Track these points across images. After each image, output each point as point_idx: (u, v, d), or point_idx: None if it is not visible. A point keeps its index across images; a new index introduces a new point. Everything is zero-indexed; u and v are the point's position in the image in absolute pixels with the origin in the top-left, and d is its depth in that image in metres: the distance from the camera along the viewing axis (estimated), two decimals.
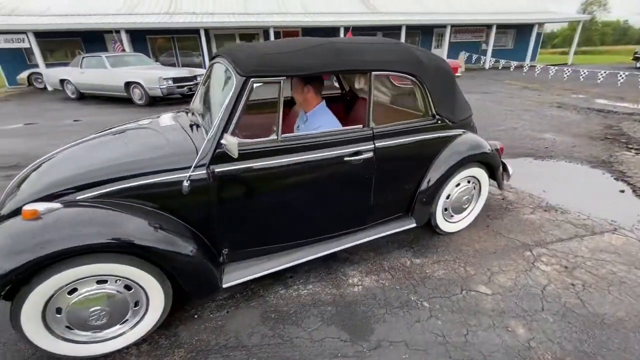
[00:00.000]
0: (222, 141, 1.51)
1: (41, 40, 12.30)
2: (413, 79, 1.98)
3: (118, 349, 1.58)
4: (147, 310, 1.58)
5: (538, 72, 12.49)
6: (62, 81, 9.45)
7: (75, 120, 6.67)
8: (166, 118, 2.02)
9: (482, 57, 16.04)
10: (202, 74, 8.78)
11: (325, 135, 1.79)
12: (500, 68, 14.36)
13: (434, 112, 2.09)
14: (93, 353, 1.53)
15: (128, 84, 8.23)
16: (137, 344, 1.64)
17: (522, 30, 18.20)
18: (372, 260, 2.24)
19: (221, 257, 1.77)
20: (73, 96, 9.44)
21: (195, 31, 13.57)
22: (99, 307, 1.45)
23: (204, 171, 1.55)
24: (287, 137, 1.70)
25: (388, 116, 2.21)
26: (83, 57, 9.05)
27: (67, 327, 1.45)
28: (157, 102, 8.47)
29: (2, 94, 11.44)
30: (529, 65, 14.24)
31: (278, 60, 1.62)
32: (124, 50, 12.09)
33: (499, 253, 2.30)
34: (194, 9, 14.80)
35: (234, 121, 1.56)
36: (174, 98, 8.70)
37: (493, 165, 2.43)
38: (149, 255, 1.44)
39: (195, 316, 1.81)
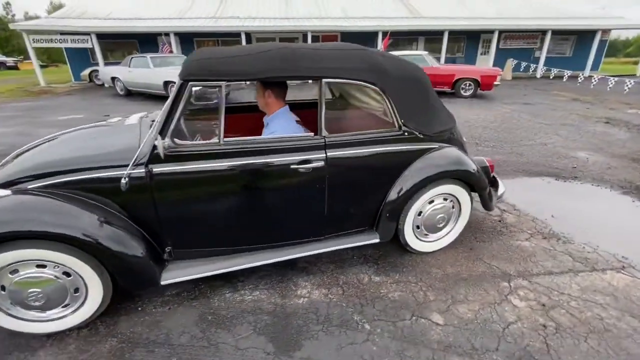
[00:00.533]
0: (155, 142, 1.55)
1: (102, 41, 13.70)
2: (372, 87, 1.87)
3: (59, 331, 1.68)
4: (86, 298, 1.66)
5: (595, 83, 11.25)
6: (113, 79, 10.41)
7: (105, 115, 7.28)
8: (133, 118, 2.13)
9: (532, 65, 14.84)
10: None
11: (271, 141, 1.76)
12: (551, 77, 13.16)
13: (399, 123, 1.97)
14: (35, 331, 1.65)
15: (167, 83, 8.84)
16: (79, 327, 1.73)
17: (583, 37, 16.56)
18: (330, 273, 2.16)
19: (165, 255, 1.81)
20: (121, 93, 10.35)
21: (238, 34, 14.21)
22: (37, 290, 1.56)
23: (143, 170, 1.60)
24: (230, 142, 1.70)
25: (352, 125, 2.12)
26: (131, 57, 9.89)
27: (11, 303, 1.58)
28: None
29: (68, 88, 12.90)
30: (585, 75, 12.89)
31: (219, 64, 1.63)
32: (171, 51, 13.01)
33: (471, 280, 2.10)
34: (238, 14, 15.51)
35: (173, 122, 1.60)
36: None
37: (475, 184, 2.22)
38: (84, 246, 1.52)
39: (139, 309, 1.87)
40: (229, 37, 15.04)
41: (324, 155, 1.82)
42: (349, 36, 15.43)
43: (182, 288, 2.01)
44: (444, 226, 2.33)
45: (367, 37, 14.86)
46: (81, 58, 14.82)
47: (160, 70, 9.04)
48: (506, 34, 16.44)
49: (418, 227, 2.26)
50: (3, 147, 4.79)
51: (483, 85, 9.13)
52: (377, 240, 2.12)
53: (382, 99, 1.92)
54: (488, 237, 2.58)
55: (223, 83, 1.61)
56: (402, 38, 16.30)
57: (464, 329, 1.73)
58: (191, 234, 1.82)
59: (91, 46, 13.20)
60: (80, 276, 1.60)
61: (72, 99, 10.09)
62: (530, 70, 14.52)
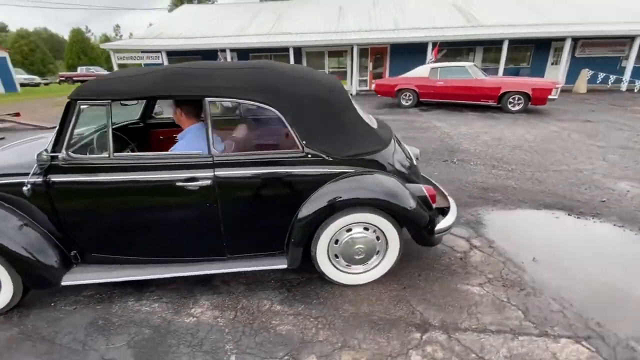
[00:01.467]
0: (43, 155, 1.70)
1: (172, 57, 15.53)
2: (266, 107, 1.79)
3: None
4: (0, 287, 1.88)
5: None
6: None
7: None
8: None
9: (614, 76, 12.66)
10: None
11: (158, 158, 1.80)
12: (636, 90, 11.02)
13: (301, 144, 1.84)
14: None
15: None
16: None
17: None
18: (236, 295, 2.09)
19: (72, 258, 1.96)
20: None
21: (287, 49, 14.86)
22: None
23: (41, 179, 1.77)
24: (119, 156, 1.78)
25: (262, 145, 2.05)
26: None
27: None
28: None
29: None
30: None
31: (106, 85, 1.73)
32: None
33: (380, 324, 1.85)
34: (290, 30, 16.25)
35: (65, 137, 1.74)
36: None
37: (398, 215, 1.97)
38: None
39: (52, 305, 2.04)
40: (279, 52, 15.81)
41: (212, 174, 1.79)
42: (398, 48, 15.10)
43: (96, 290, 2.14)
44: (366, 258, 2.09)
45: (416, 48, 14.34)
46: None
47: None
48: (584, 40, 14.37)
49: (337, 256, 2.08)
50: None
51: (534, 99, 8.08)
52: (284, 266, 2.00)
53: (281, 119, 1.83)
54: (435, 276, 2.25)
55: (108, 102, 1.71)
56: (458, 48, 15.37)
57: None
58: (93, 240, 1.94)
59: (161, 62, 15.05)
60: None
61: None
62: (610, 82, 12.39)
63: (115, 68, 15.53)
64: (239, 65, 1.93)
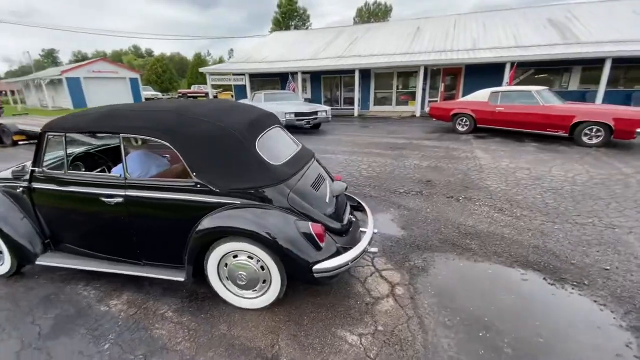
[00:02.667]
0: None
1: (253, 79, 17.57)
2: (163, 142, 2.15)
3: None
4: (3, 262, 2.65)
5: None
6: None
7: None
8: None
9: None
10: (323, 110, 10.10)
11: (93, 177, 2.33)
12: None
13: (192, 175, 2.14)
14: None
15: None
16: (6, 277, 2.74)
17: None
18: (149, 295, 2.48)
19: (47, 245, 2.63)
20: None
21: (353, 71, 15.29)
22: None
23: (26, 184, 2.48)
24: (70, 173, 2.38)
25: (173, 173, 2.41)
26: (254, 93, 12.41)
27: None
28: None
29: None
30: None
31: (65, 122, 2.35)
32: (295, 88, 15.37)
33: (233, 350, 1.98)
34: (362, 52, 16.69)
35: (41, 157, 2.41)
36: (297, 127, 10.49)
37: (275, 248, 2.07)
38: None
39: (35, 277, 2.76)
40: (347, 74, 16.36)
41: (124, 193, 2.23)
42: (473, 68, 14.08)
43: (67, 273, 2.78)
44: (251, 285, 2.24)
45: (492, 69, 13.14)
46: (241, 91, 19.39)
47: (265, 105, 10.97)
48: None
49: (228, 278, 2.28)
50: None
51: (618, 131, 6.63)
52: (181, 279, 2.29)
53: (175, 153, 2.17)
54: (324, 316, 2.25)
55: (62, 134, 2.32)
56: (552, 68, 13.49)
57: None
58: (58, 233, 2.58)
59: (244, 84, 17.16)
60: None
61: None
62: None
63: (209, 88, 18.35)
64: (155, 108, 2.36)
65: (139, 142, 2.94)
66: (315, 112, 10.31)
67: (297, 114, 9.93)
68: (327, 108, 10.73)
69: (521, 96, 8.14)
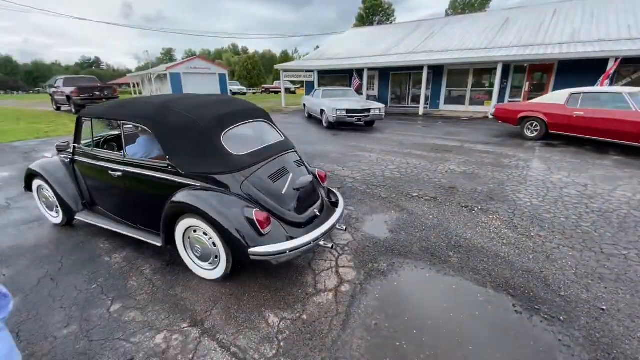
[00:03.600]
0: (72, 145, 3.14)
1: (323, 75, 18.10)
2: (146, 129, 2.59)
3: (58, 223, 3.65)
4: (59, 214, 3.52)
5: None
6: (304, 105, 13.90)
7: None
8: None
9: None
10: (376, 108, 10.05)
11: (105, 154, 2.93)
12: None
13: (165, 158, 2.54)
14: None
15: (322, 111, 11.00)
16: (61, 226, 3.64)
17: None
18: (144, 255, 3.02)
19: (83, 205, 3.39)
20: (306, 115, 13.63)
21: (432, 67, 14.50)
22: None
23: (70, 157, 3.25)
24: (95, 150, 3.03)
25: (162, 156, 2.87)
26: (315, 90, 12.86)
27: None
28: (335, 126, 10.66)
29: (294, 109, 18.11)
30: None
31: (91, 110, 2.98)
32: (360, 84, 15.38)
33: (176, 308, 2.33)
34: (439, 47, 15.69)
35: (78, 136, 3.13)
36: (348, 124, 10.61)
37: (219, 227, 2.33)
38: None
39: (79, 229, 3.57)
40: (417, 71, 15.60)
41: (123, 168, 2.77)
42: (569, 65, 12.05)
43: (98, 229, 3.52)
44: (205, 258, 2.57)
45: (592, 66, 11.06)
46: (311, 87, 20.15)
47: (322, 101, 11.31)
48: None
49: (192, 249, 2.65)
50: None
51: None
52: (159, 244, 2.75)
53: (154, 138, 2.60)
54: (260, 296, 2.44)
55: (90, 119, 2.97)
56: None
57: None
58: (89, 197, 3.30)
59: (313, 80, 17.81)
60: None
61: (281, 116, 14.35)
62: None
63: (282, 84, 19.56)
64: (147, 101, 2.82)
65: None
66: (368, 110, 10.24)
67: (348, 111, 10.02)
68: (381, 106, 10.52)
69: (609, 99, 6.77)
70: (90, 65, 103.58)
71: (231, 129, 2.69)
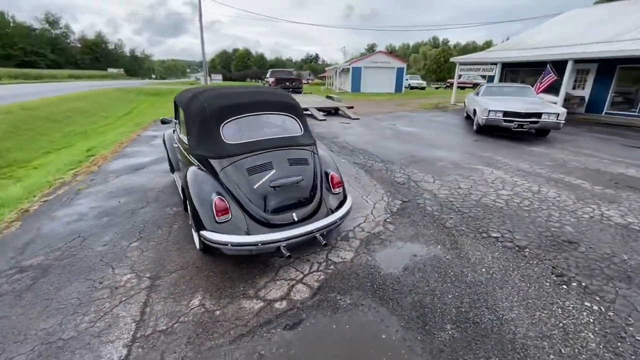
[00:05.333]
0: None
1: (511, 69, 14.94)
2: (183, 112, 3.09)
3: None
4: None
5: None
6: (464, 103, 12.05)
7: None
8: None
9: None
10: (552, 113, 7.67)
11: (175, 128, 3.72)
12: None
13: (187, 138, 3.00)
14: None
15: (474, 111, 9.28)
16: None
17: None
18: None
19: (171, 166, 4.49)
20: (465, 115, 11.81)
21: None
22: None
23: (173, 129, 4.33)
24: (176, 126, 3.90)
25: None
26: (480, 86, 10.87)
27: None
28: (485, 131, 8.79)
29: (455, 107, 16.05)
30: None
31: (180, 96, 3.80)
32: (554, 80, 11.75)
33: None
34: None
35: (176, 117, 4.11)
36: (504, 129, 8.46)
37: (190, 205, 2.62)
38: None
39: None
40: None
41: (176, 143, 3.48)
42: None
43: None
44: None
45: None
46: (491, 82, 17.06)
47: (478, 99, 9.47)
48: None
49: None
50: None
51: None
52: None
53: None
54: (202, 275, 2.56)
55: (175, 103, 3.83)
56: None
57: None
58: (172, 160, 4.34)
59: (493, 74, 14.98)
60: None
61: (432, 114, 13.08)
62: None
63: (455, 78, 17.54)
64: (193, 90, 3.28)
65: None
66: (537, 115, 7.77)
67: (505, 114, 7.95)
68: (560, 110, 7.74)
69: None
70: (310, 61, 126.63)
71: (235, 119, 2.84)
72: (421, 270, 2.68)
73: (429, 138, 8.20)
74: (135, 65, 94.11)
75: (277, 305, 2.28)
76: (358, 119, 11.60)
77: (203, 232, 2.46)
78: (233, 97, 3.02)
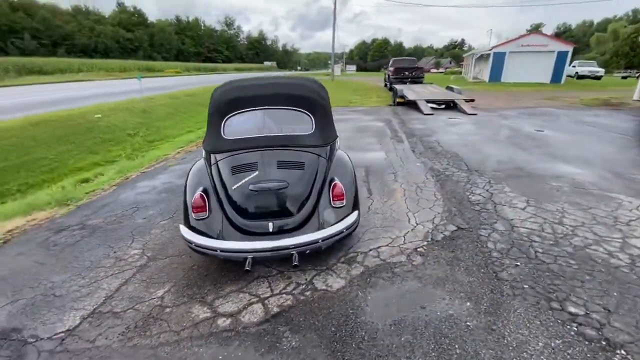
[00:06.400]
0: None
1: None
2: None
3: None
4: None
5: None
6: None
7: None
8: None
9: None
10: None
11: None
12: None
13: None
14: None
15: None
16: None
17: None
18: None
19: None
20: None
21: None
22: None
23: None
24: None
25: None
26: None
27: None
28: None
29: None
30: None
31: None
32: None
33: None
34: None
35: None
36: None
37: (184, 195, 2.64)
38: None
39: None
40: None
41: None
42: None
43: None
44: None
45: None
46: None
47: None
48: None
49: None
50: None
51: None
52: None
53: None
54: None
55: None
56: None
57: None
58: None
59: None
60: None
61: (591, 113, 9.69)
62: None
63: None
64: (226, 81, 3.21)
65: None
66: None
67: None
68: None
69: None
70: (454, 47, 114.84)
71: (239, 112, 2.70)
72: (415, 332, 1.95)
73: (560, 145, 6.12)
74: (285, 58, 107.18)
75: (219, 321, 2.07)
76: (475, 114, 9.75)
77: (180, 226, 2.46)
78: (249, 89, 2.87)
